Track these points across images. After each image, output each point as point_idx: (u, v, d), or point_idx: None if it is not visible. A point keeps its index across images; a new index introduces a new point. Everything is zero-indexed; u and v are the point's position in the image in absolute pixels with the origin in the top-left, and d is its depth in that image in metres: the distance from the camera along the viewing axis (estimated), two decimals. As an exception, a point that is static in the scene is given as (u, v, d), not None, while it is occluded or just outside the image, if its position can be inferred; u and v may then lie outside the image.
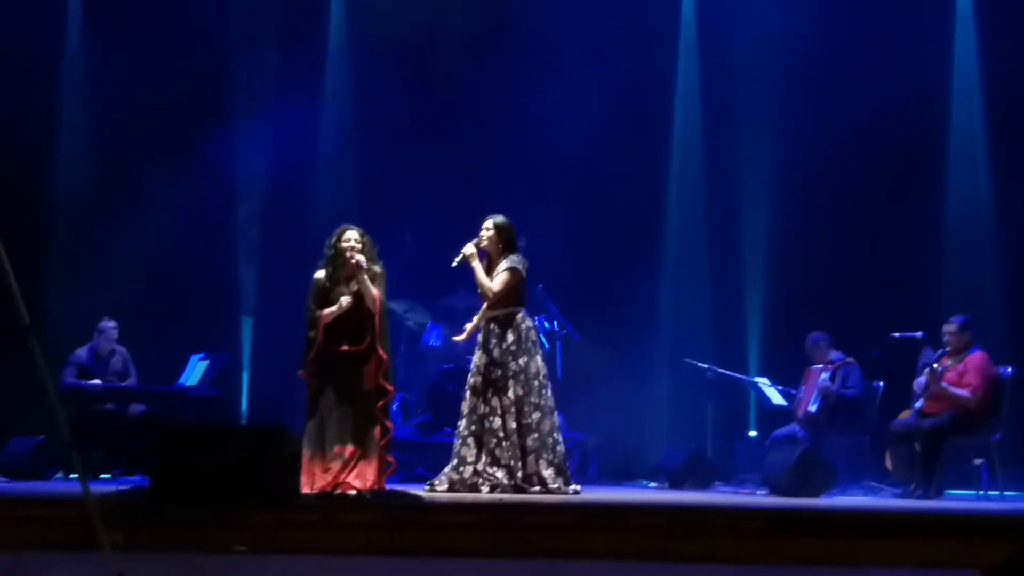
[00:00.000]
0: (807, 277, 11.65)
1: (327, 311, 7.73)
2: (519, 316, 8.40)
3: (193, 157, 11.86)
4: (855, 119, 11.64)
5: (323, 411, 7.68)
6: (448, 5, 12.42)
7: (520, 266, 8.39)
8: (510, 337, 8.31)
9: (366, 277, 7.73)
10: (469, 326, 8.63)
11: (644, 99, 12.35)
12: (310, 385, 7.74)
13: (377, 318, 7.75)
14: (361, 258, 7.75)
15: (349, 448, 7.62)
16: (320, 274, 7.86)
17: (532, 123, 12.03)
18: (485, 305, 8.47)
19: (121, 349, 10.56)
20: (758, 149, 12.07)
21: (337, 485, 7.51)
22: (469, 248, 8.40)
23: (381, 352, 7.74)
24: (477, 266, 8.39)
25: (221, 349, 11.20)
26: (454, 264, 8.45)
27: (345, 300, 7.72)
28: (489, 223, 8.47)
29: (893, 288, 11.35)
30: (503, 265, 8.38)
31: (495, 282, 8.34)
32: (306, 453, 7.48)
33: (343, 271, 7.82)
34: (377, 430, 7.70)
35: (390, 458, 7.80)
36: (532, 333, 8.44)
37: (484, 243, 8.45)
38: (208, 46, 12.25)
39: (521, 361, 8.27)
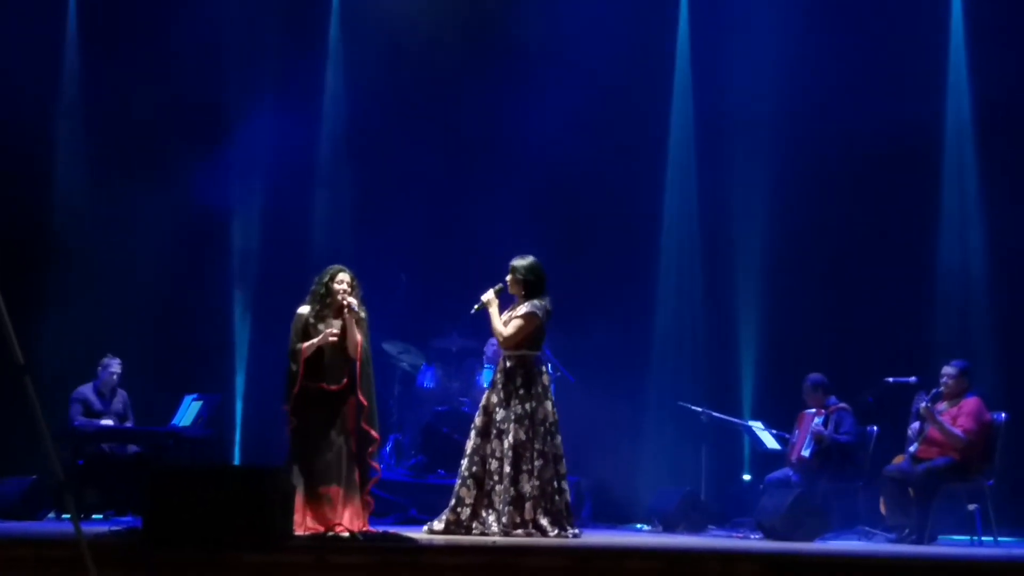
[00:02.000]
0: (801, 322, 11.66)
1: (307, 344, 7.73)
2: (531, 361, 8.33)
3: (186, 194, 11.87)
4: (848, 158, 11.70)
5: (308, 450, 7.67)
6: (446, 32, 12.45)
7: (540, 312, 8.27)
8: (520, 381, 8.23)
9: (354, 322, 7.73)
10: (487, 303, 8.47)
11: (638, 134, 12.37)
12: (291, 421, 7.74)
13: (359, 364, 7.74)
14: (354, 302, 7.75)
15: (334, 487, 7.61)
16: (304, 309, 7.84)
17: (528, 161, 12.10)
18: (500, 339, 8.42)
19: (122, 392, 10.57)
20: (752, 193, 12.09)
21: (331, 527, 7.49)
22: (487, 295, 8.37)
23: (362, 398, 7.73)
24: (493, 312, 8.35)
25: (215, 390, 11.18)
26: (473, 312, 8.45)
27: (329, 331, 7.71)
28: (512, 264, 8.40)
29: (886, 333, 11.36)
30: (521, 310, 8.31)
31: (508, 327, 8.28)
32: (296, 493, 7.48)
33: (331, 311, 7.81)
34: (357, 473, 7.71)
35: (369, 498, 7.81)
36: (544, 378, 8.35)
37: (511, 286, 8.40)
38: (203, 71, 12.27)
39: (528, 406, 8.18)
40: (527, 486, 8.09)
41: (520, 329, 8.27)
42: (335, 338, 7.71)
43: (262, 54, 12.59)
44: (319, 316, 7.80)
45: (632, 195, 12.33)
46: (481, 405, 8.36)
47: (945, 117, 11.92)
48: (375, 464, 7.82)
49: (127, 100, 12.15)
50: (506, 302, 8.47)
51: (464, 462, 8.27)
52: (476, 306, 8.42)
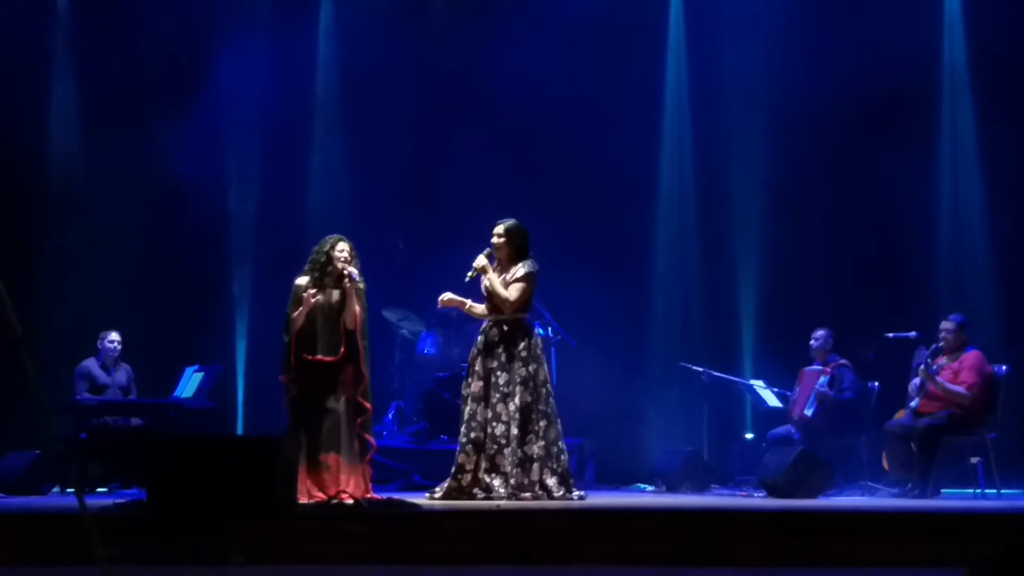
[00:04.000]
0: (800, 278, 11.64)
1: (296, 313, 7.73)
2: (527, 322, 8.31)
3: (183, 161, 11.83)
4: (844, 113, 11.64)
5: (307, 419, 7.69)
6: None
7: (535, 272, 8.28)
8: (520, 343, 8.19)
9: (353, 293, 7.71)
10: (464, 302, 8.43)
11: (633, 102, 12.34)
12: (288, 391, 7.76)
13: (359, 336, 7.74)
14: (354, 271, 7.74)
15: (333, 456, 7.63)
16: (302, 280, 7.83)
17: (523, 119, 12.09)
18: (487, 308, 8.36)
19: (126, 366, 10.57)
20: (749, 151, 12.05)
21: (335, 495, 7.50)
22: (480, 261, 8.24)
23: (362, 368, 7.73)
24: (492, 277, 8.23)
25: (215, 360, 11.18)
26: (467, 279, 8.28)
27: (309, 293, 7.68)
28: (500, 228, 8.29)
29: (886, 288, 11.35)
30: (519, 272, 8.23)
31: (511, 291, 8.19)
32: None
33: (331, 279, 7.79)
34: (357, 443, 7.72)
35: (368, 468, 7.85)
36: (539, 340, 8.37)
37: (496, 249, 8.29)
38: (191, 30, 12.23)
39: (531, 368, 8.16)
40: (534, 447, 8.09)
41: (524, 291, 8.23)
42: (315, 299, 7.69)
43: (254, 12, 12.49)
44: (318, 285, 7.78)
45: (628, 155, 12.24)
46: (474, 369, 8.26)
47: (941, 63, 11.84)
48: (368, 436, 7.81)
49: (121, 61, 12.09)
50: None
51: (462, 429, 8.24)
52: (470, 273, 8.28)
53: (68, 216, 12.16)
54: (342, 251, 7.80)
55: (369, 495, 7.66)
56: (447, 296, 8.43)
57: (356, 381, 7.74)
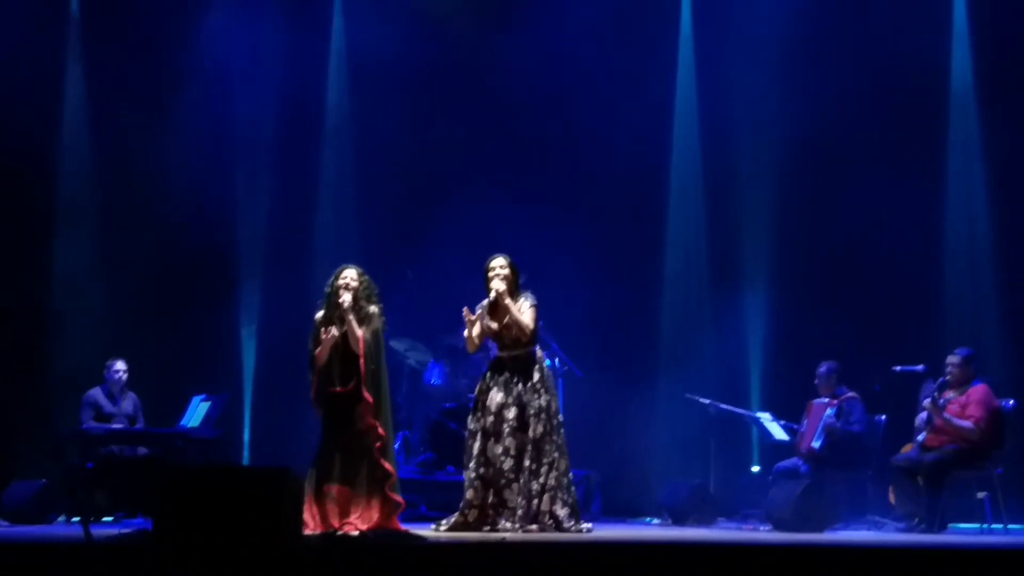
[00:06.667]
0: (808, 311, 11.61)
1: (318, 350, 7.75)
2: (538, 354, 8.31)
3: (191, 194, 11.87)
4: (856, 147, 11.65)
5: (320, 449, 7.73)
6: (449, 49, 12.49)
7: (538, 304, 8.25)
8: (535, 375, 8.19)
9: (351, 318, 7.71)
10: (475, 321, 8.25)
11: (643, 125, 12.27)
12: (323, 423, 7.79)
13: (362, 360, 7.72)
14: (347, 297, 7.71)
15: (336, 487, 7.62)
16: (319, 315, 7.86)
17: (532, 159, 12.11)
18: (501, 344, 8.33)
19: (132, 394, 10.58)
20: (758, 182, 12.04)
21: (340, 526, 7.49)
22: (501, 285, 8.17)
23: (367, 395, 7.70)
24: (511, 303, 8.20)
25: (222, 389, 11.18)
26: (490, 299, 8.16)
27: (330, 334, 7.71)
28: (503, 261, 8.27)
29: (894, 321, 11.32)
30: (526, 302, 8.23)
31: (528, 320, 8.18)
32: (306, 491, 7.48)
33: (336, 311, 7.81)
34: (376, 471, 7.68)
35: (397, 498, 7.74)
36: (549, 371, 8.38)
37: (501, 282, 8.22)
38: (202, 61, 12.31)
39: (544, 399, 8.15)
40: (549, 479, 8.08)
41: (536, 321, 8.24)
42: (328, 336, 7.71)
43: (267, 21, 12.51)
44: (328, 320, 7.81)
45: (636, 183, 12.26)
46: (485, 404, 8.22)
47: (949, 91, 11.78)
48: (384, 463, 7.71)
49: (125, 78, 12.15)
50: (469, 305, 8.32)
51: (471, 464, 8.19)
52: (492, 296, 8.17)
53: (74, 244, 12.14)
54: (344, 278, 7.81)
55: (380, 526, 7.60)
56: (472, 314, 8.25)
57: (367, 408, 7.72)
